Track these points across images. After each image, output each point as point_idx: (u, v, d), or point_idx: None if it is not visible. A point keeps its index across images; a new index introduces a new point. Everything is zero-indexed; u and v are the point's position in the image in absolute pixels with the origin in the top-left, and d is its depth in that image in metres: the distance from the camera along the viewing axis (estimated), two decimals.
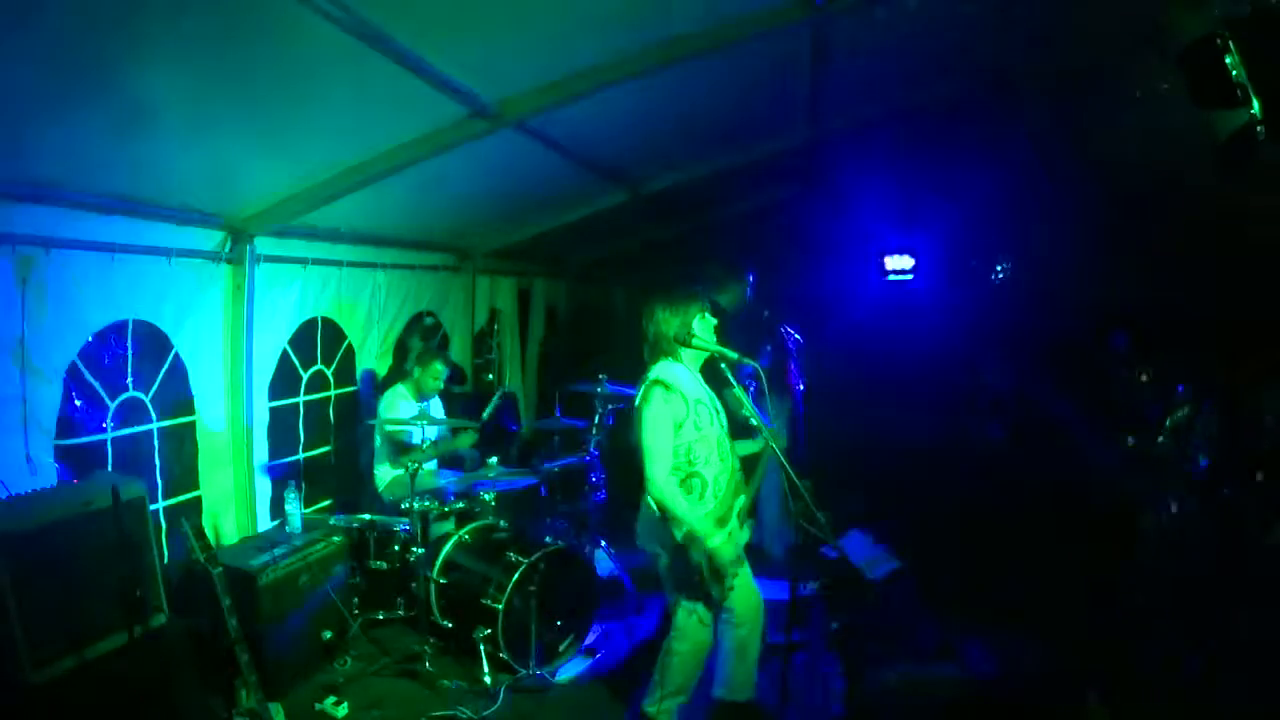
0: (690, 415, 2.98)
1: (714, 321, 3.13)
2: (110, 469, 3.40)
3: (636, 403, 3.01)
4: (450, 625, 3.97)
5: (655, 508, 3.02)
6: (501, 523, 4.36)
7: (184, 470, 3.88)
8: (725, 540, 2.92)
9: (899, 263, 7.64)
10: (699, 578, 2.91)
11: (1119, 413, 5.27)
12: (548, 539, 4.11)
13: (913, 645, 4.02)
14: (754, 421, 3.05)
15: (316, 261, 4.59)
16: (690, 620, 3.10)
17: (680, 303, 3.07)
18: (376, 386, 5.18)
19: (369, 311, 5.23)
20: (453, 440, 4.71)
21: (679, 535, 2.93)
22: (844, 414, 6.73)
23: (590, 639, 4.16)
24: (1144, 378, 5.27)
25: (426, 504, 4.07)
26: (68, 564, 2.62)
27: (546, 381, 7.79)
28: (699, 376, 3.12)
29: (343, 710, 3.44)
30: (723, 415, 3.15)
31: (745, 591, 3.18)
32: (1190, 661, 3.37)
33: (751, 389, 3.31)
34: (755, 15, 3.24)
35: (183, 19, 2.27)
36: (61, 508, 2.66)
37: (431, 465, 4.71)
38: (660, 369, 3.03)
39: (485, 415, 4.78)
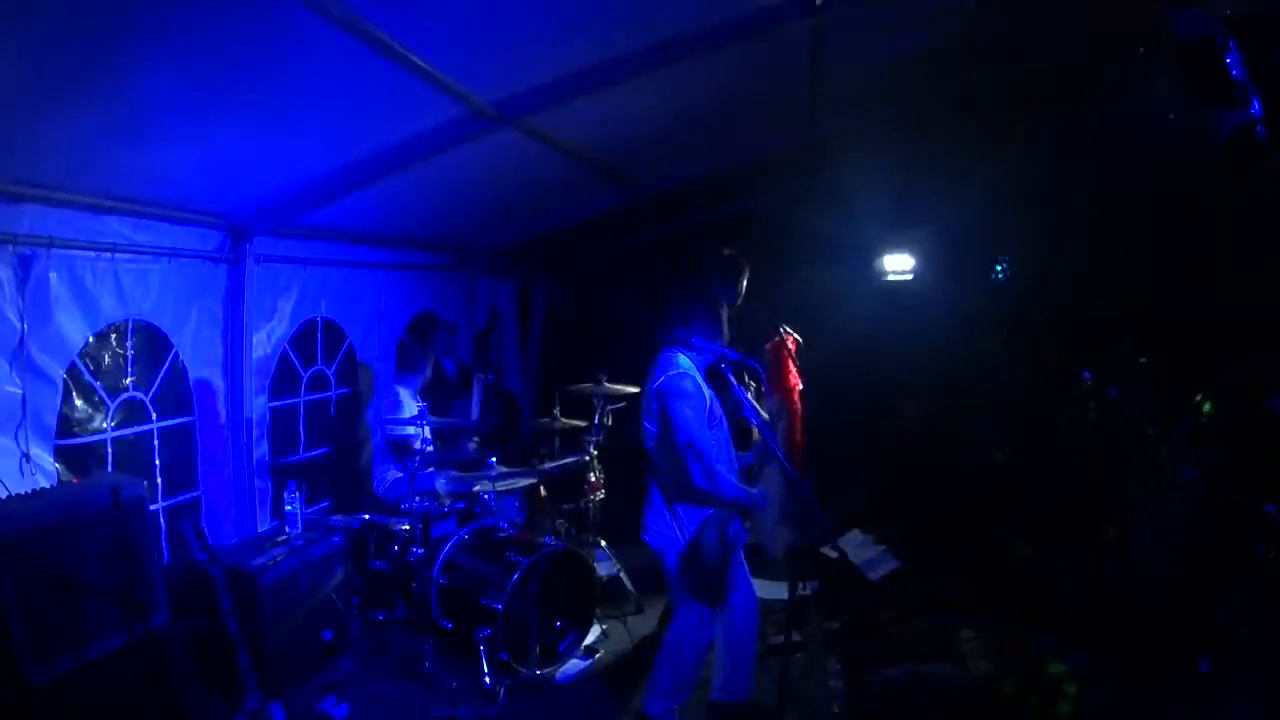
0: (707, 408, 3.00)
1: (718, 326, 3.14)
2: (110, 469, 3.40)
3: (657, 392, 2.99)
4: (450, 625, 3.97)
5: (666, 501, 3.03)
6: (502, 523, 4.37)
7: (184, 470, 3.88)
8: (725, 525, 2.95)
9: (898, 263, 7.61)
10: (708, 574, 2.92)
11: (1118, 414, 5.27)
12: (548, 539, 4.11)
13: (913, 645, 4.02)
14: (754, 422, 3.05)
15: (316, 261, 4.59)
16: (693, 619, 3.10)
17: (685, 304, 3.09)
18: (377, 386, 5.18)
19: (369, 311, 5.23)
20: (452, 447, 4.69)
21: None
22: (843, 414, 6.73)
23: (590, 639, 4.16)
24: (1143, 379, 5.26)
25: (426, 504, 4.06)
26: (68, 564, 2.61)
27: (546, 381, 7.78)
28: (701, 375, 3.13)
29: (343, 710, 3.44)
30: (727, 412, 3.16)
31: (744, 594, 3.18)
32: (1192, 659, 3.37)
33: (751, 390, 3.32)
34: (755, 15, 3.24)
35: (183, 19, 2.27)
36: (61, 508, 2.66)
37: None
38: (676, 360, 3.04)
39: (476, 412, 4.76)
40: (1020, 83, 4.92)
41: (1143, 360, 5.15)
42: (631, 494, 3.40)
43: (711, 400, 3.07)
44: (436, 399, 4.92)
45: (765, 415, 3.34)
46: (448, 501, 4.37)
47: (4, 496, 2.73)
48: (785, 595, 3.13)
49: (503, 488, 4.47)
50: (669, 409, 2.94)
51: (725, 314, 3.21)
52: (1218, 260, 4.67)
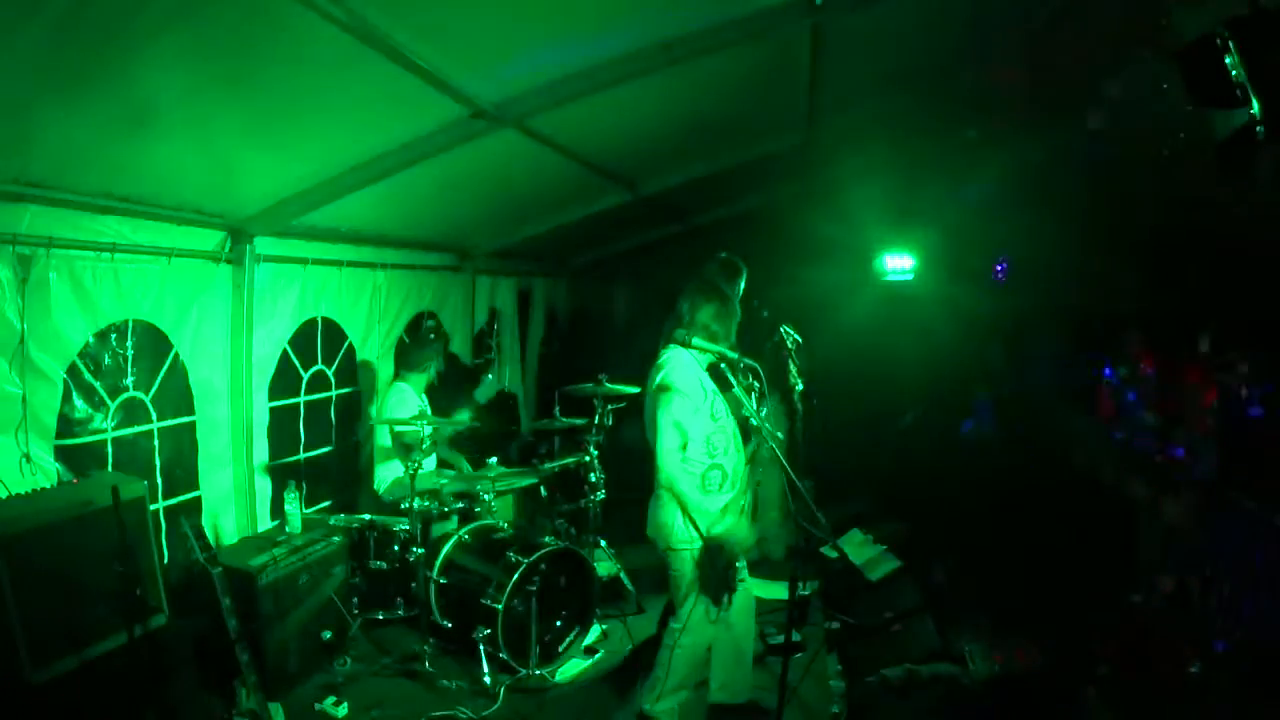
0: (707, 401, 3.01)
1: (718, 326, 3.14)
2: (110, 469, 3.40)
3: (650, 388, 3.02)
4: (450, 625, 3.97)
5: (668, 498, 3.03)
6: (502, 523, 4.36)
7: (184, 470, 3.88)
8: (734, 524, 2.96)
9: (898, 263, 7.63)
10: (712, 571, 2.92)
11: (1121, 413, 5.27)
12: (548, 539, 4.11)
13: (913, 645, 4.02)
14: (754, 422, 3.05)
15: (316, 261, 4.59)
16: (696, 615, 3.09)
17: (686, 304, 3.10)
18: (378, 386, 5.18)
19: (369, 311, 5.23)
20: (448, 433, 4.69)
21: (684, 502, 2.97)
22: (844, 414, 6.74)
23: (590, 639, 4.16)
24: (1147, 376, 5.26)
25: (426, 504, 4.06)
26: (68, 564, 2.62)
27: (546, 381, 7.79)
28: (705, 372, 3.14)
29: (343, 710, 3.44)
30: (731, 410, 3.16)
31: (742, 593, 3.18)
32: (1193, 660, 3.38)
33: (751, 390, 3.32)
34: (755, 15, 3.24)
35: (183, 18, 2.27)
36: (61, 508, 2.66)
37: (431, 464, 4.71)
38: (676, 357, 3.05)
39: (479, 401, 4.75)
40: (1019, 83, 4.91)
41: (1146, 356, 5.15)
42: (631, 494, 3.40)
43: (713, 398, 3.07)
44: (435, 398, 4.93)
45: (765, 415, 3.34)
46: (449, 501, 4.38)
47: (4, 496, 2.73)
48: (785, 595, 3.13)
49: (503, 488, 4.47)
50: (658, 400, 2.96)
51: (726, 314, 3.20)
52: (1217, 260, 4.67)
